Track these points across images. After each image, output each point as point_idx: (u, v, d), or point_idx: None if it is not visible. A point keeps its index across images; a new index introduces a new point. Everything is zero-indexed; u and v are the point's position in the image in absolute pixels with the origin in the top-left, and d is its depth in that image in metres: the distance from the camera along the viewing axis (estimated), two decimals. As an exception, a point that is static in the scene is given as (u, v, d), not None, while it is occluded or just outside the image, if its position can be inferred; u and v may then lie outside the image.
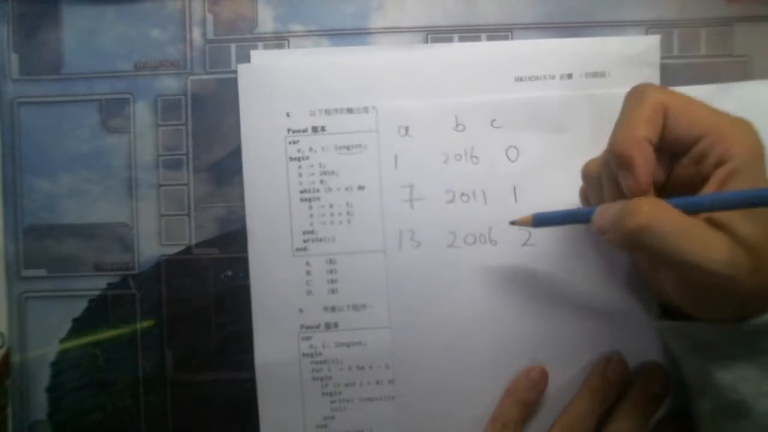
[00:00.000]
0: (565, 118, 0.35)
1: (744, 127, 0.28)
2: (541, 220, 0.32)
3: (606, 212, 0.28)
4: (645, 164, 0.27)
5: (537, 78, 0.36)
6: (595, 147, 0.35)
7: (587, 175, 0.32)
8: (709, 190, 0.27)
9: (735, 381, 0.28)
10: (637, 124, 0.28)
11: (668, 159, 0.29)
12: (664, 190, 0.30)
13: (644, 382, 0.34)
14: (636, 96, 0.29)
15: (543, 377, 0.35)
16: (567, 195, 0.35)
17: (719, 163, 0.27)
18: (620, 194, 0.29)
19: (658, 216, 0.26)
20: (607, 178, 0.30)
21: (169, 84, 0.37)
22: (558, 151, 0.35)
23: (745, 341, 0.27)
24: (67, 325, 0.37)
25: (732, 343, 0.28)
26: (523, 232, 0.35)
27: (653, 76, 0.35)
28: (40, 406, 0.37)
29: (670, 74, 0.36)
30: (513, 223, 0.33)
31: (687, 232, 0.26)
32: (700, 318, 0.28)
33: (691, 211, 0.26)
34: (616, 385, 0.34)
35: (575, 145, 0.35)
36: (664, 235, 0.26)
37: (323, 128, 0.36)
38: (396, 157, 0.36)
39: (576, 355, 0.35)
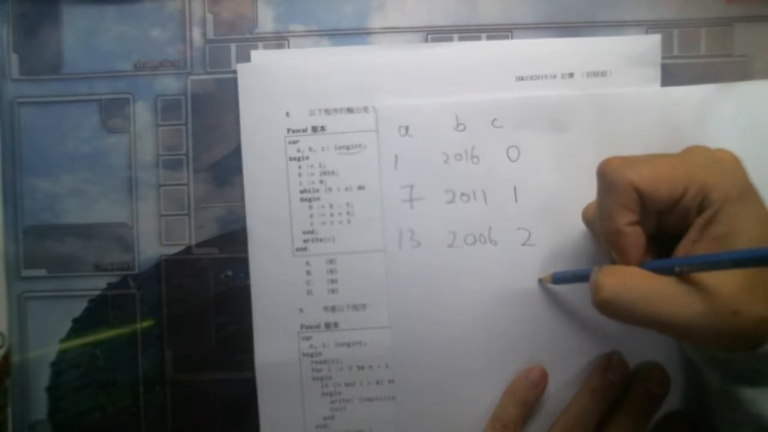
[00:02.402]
0: (566, 117, 0.35)
1: (722, 167, 0.28)
2: (559, 279, 0.34)
3: (590, 280, 0.29)
4: (632, 248, 0.28)
5: (538, 77, 0.36)
6: (597, 147, 0.35)
7: (586, 220, 0.33)
8: (690, 237, 0.27)
9: (756, 395, 0.27)
10: (613, 214, 0.28)
11: (655, 214, 0.29)
12: (655, 235, 0.30)
13: (644, 382, 0.34)
14: (605, 182, 0.28)
15: (543, 377, 0.35)
16: (568, 195, 0.35)
17: (700, 212, 0.27)
18: None
19: (625, 286, 0.27)
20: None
21: (169, 84, 0.37)
22: (559, 150, 0.35)
23: (764, 362, 0.27)
24: (67, 325, 0.37)
25: (751, 362, 0.27)
26: (522, 233, 0.35)
27: (654, 76, 0.35)
28: (40, 406, 0.37)
29: (670, 74, 0.36)
30: (540, 280, 0.35)
31: (655, 295, 0.27)
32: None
33: (662, 273, 0.27)
34: (616, 385, 0.34)
35: (577, 145, 0.35)
36: (630, 305, 0.27)
37: (323, 128, 0.36)
38: (396, 156, 0.36)
39: (576, 355, 0.35)
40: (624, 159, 0.28)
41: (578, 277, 0.33)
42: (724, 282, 0.26)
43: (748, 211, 0.27)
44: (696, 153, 0.29)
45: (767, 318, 0.26)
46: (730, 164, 0.28)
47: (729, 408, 0.29)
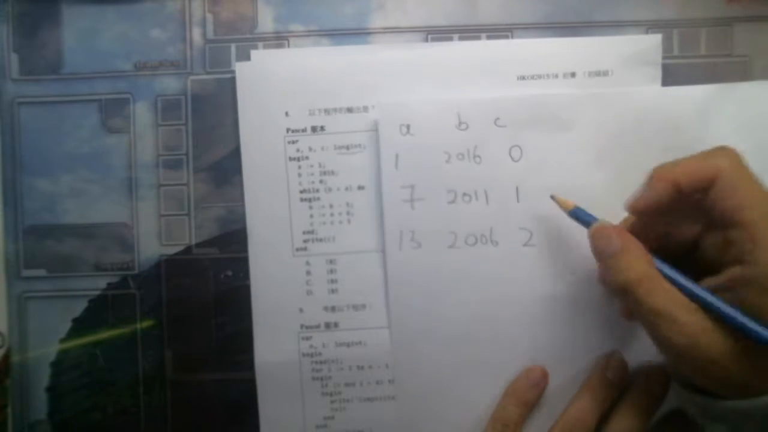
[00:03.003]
0: (568, 116, 0.35)
1: None
2: (578, 215, 0.33)
3: (606, 238, 0.30)
4: (658, 189, 0.29)
5: (540, 77, 0.36)
6: (598, 146, 0.35)
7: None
8: (717, 281, 0.27)
9: None
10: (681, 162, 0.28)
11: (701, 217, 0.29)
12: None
13: (644, 381, 0.34)
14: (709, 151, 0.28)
15: (543, 377, 0.35)
16: (570, 195, 0.35)
17: (738, 261, 0.26)
18: None
19: (646, 282, 0.28)
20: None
21: (169, 84, 0.37)
22: (562, 150, 0.35)
23: (722, 418, 0.28)
24: (67, 325, 0.37)
25: (716, 417, 0.28)
26: (524, 233, 0.35)
27: (655, 75, 0.35)
28: (40, 406, 0.37)
29: (670, 74, 0.36)
30: (552, 197, 0.34)
31: (666, 311, 0.27)
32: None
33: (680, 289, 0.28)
34: (616, 385, 0.34)
35: (579, 144, 0.35)
36: (644, 301, 0.27)
37: (323, 128, 0.36)
38: (397, 156, 0.36)
39: (576, 355, 0.35)
40: (736, 153, 0.28)
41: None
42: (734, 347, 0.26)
43: None
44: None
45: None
46: None
47: None
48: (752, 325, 0.25)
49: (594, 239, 0.30)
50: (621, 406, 0.34)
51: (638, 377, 0.34)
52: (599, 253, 0.30)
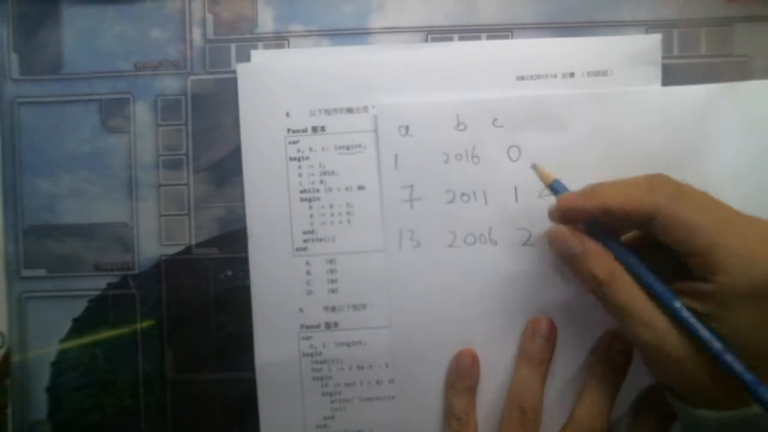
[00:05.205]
0: (567, 117, 0.35)
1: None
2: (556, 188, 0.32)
3: (562, 242, 0.31)
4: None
5: (539, 77, 0.36)
6: (597, 146, 0.35)
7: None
8: (692, 287, 0.28)
9: None
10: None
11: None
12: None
13: (606, 353, 0.34)
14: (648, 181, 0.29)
15: (473, 361, 0.35)
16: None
17: (701, 278, 0.27)
18: None
19: (614, 279, 0.29)
20: None
21: (169, 84, 0.37)
22: (560, 150, 0.35)
23: (701, 428, 0.28)
24: (67, 325, 0.37)
25: (696, 426, 0.29)
26: (522, 233, 0.35)
27: (655, 75, 0.35)
28: (40, 406, 0.37)
29: (670, 74, 0.36)
30: (533, 166, 0.34)
31: (634, 308, 0.28)
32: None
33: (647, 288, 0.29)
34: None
35: (578, 144, 0.35)
36: (616, 296, 0.29)
37: (323, 128, 0.36)
38: (396, 156, 0.36)
39: (576, 355, 0.35)
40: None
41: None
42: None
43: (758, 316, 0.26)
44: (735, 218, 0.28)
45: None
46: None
47: None
48: (704, 333, 0.27)
49: (550, 243, 0.32)
50: (587, 383, 0.34)
51: (599, 350, 0.34)
52: (559, 255, 0.31)
